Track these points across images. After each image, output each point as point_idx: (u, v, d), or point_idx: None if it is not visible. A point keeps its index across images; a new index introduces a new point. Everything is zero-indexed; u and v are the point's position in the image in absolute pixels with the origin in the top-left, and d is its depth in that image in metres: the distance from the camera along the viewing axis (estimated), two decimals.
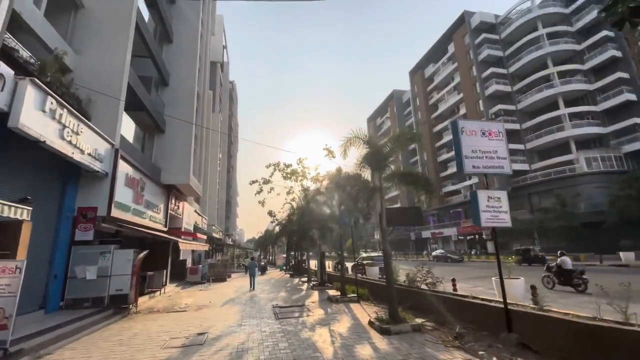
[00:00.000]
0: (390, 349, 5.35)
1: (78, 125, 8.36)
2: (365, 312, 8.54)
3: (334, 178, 11.33)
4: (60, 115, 7.59)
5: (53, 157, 7.92)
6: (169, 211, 16.54)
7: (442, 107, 51.37)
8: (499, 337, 5.53)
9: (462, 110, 46.49)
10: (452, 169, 50.38)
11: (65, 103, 7.83)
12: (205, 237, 20.63)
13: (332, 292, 12.25)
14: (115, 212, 10.16)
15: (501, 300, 5.84)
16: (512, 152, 35.89)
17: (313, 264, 19.74)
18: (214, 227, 32.10)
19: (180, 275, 19.26)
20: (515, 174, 37.14)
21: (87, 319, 8.00)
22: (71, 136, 8.00)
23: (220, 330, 7.11)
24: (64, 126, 7.74)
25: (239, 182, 62.58)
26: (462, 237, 44.27)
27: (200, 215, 25.99)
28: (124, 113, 12.10)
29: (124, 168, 10.92)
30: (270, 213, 21.22)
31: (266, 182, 17.41)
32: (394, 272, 10.58)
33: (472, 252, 38.78)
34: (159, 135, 16.02)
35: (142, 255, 9.83)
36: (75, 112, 8.34)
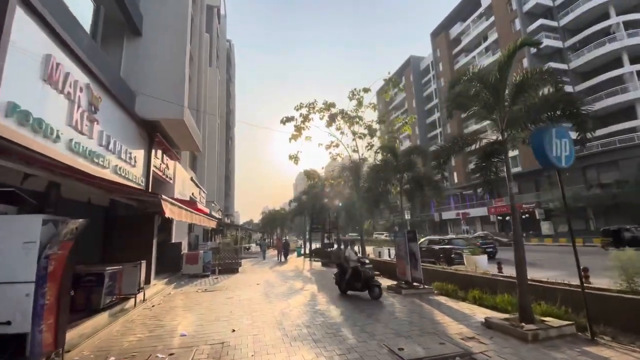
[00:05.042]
0: None
1: None
2: None
3: None
4: None
5: None
6: (152, 168, 10.45)
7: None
8: None
9: None
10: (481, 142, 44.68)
11: None
12: (207, 210, 14.64)
13: (461, 307, 6.51)
14: (15, 132, 4.09)
15: None
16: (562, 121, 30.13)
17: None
18: (213, 205, 26.07)
19: (173, 265, 13.35)
20: None
21: None
22: None
23: None
24: None
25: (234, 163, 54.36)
26: (499, 218, 39.16)
27: (199, 187, 19.89)
28: None
29: (34, 33, 4.77)
30: (307, 174, 15.28)
31: (305, 119, 11.28)
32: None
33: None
34: (131, 39, 9.66)
35: (69, 229, 3.83)
36: None
